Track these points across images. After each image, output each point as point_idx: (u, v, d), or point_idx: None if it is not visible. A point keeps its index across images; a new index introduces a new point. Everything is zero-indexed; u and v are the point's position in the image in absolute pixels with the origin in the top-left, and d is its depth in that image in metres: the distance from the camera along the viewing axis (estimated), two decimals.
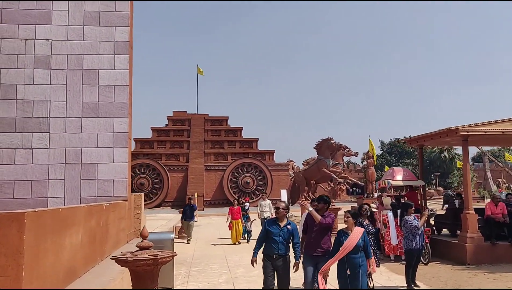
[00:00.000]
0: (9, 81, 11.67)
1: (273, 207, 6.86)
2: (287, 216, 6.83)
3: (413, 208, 9.10)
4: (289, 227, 6.60)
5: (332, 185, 41.12)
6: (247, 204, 18.99)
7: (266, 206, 16.61)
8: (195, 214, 28.77)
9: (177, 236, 17.64)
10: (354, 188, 68.31)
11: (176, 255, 5.66)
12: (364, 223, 7.85)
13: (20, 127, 11.61)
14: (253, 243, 16.36)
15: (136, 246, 5.52)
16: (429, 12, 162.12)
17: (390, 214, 12.04)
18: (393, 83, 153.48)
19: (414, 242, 8.60)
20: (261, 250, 6.78)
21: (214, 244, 15.91)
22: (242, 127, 48.72)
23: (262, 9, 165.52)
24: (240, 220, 16.06)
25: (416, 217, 8.98)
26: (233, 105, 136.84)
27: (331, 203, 22.05)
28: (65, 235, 6.23)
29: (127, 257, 5.32)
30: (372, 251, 6.72)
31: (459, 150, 64.35)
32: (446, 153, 65.82)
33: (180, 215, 17.28)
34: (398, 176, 13.23)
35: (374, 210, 13.03)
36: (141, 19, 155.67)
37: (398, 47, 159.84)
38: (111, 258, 5.37)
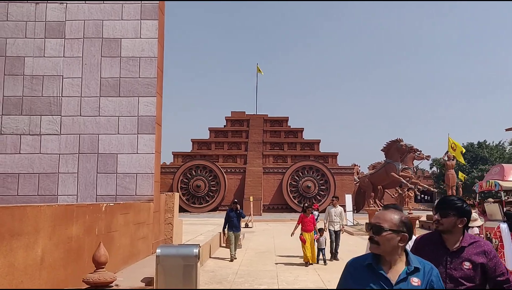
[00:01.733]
0: (16, 53, 9.63)
1: (369, 229, 2.39)
2: (405, 246, 2.38)
3: None
4: (414, 281, 2.29)
5: (400, 192, 37.27)
6: (316, 212, 14.66)
7: (337, 215, 12.72)
8: (250, 219, 26.28)
9: (224, 245, 15.11)
10: (423, 195, 62.98)
11: None
12: None
13: (27, 108, 9.52)
14: (332, 265, 12.08)
15: (83, 281, 2.92)
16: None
17: (504, 226, 8.68)
18: (471, 85, 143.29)
19: None
20: None
21: (266, 257, 13.18)
22: (303, 128, 46.17)
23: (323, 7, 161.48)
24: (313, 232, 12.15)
25: None
26: (293, 105, 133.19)
27: (409, 212, 18.28)
28: None
29: None
30: None
31: None
32: None
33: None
34: None
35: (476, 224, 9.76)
36: (198, 19, 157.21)
37: (484, 46, 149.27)
38: None
